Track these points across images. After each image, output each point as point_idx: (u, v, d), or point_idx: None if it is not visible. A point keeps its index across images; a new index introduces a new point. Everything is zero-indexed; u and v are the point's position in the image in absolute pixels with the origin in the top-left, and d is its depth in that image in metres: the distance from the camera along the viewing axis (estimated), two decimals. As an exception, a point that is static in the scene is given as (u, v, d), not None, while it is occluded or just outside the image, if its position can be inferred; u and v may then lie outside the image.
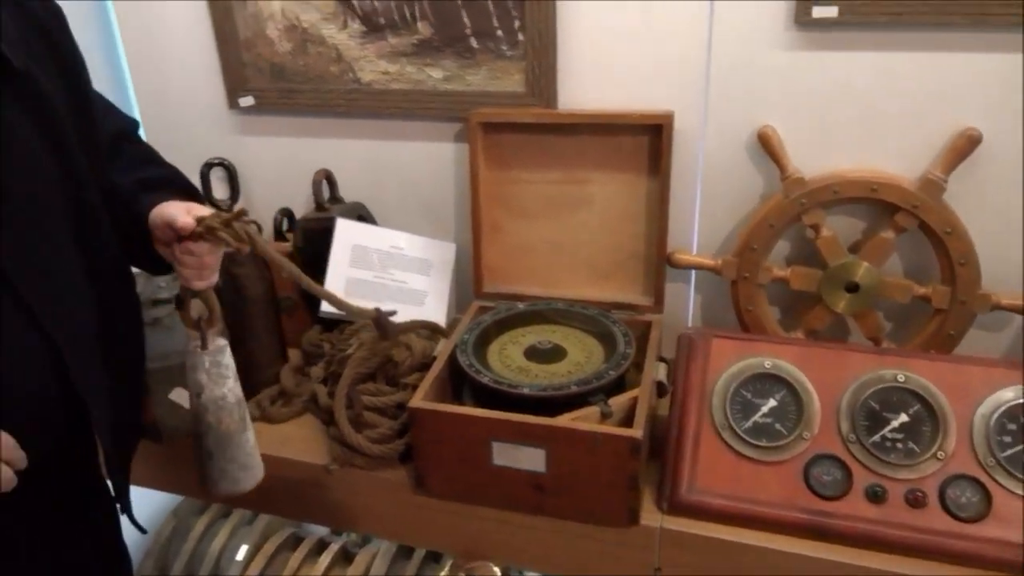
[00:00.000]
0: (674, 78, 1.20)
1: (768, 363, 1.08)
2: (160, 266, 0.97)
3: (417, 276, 1.36)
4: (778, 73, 1.15)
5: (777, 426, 1.05)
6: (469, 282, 1.37)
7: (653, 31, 1.19)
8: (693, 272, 1.33)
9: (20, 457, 0.76)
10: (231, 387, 0.95)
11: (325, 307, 1.32)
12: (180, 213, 0.88)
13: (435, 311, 1.36)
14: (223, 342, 0.96)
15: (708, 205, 1.28)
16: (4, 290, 0.76)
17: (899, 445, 1.01)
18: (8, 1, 0.79)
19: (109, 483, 1.01)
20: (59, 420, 0.84)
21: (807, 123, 1.17)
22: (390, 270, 1.35)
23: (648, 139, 1.23)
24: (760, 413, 1.06)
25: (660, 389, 1.14)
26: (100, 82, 0.96)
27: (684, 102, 1.21)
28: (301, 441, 1.22)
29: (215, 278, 0.95)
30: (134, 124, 1.04)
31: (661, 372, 1.14)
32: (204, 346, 0.93)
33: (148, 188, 0.94)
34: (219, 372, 0.94)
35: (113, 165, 0.95)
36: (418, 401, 1.07)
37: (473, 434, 1.04)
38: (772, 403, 1.06)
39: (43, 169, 0.82)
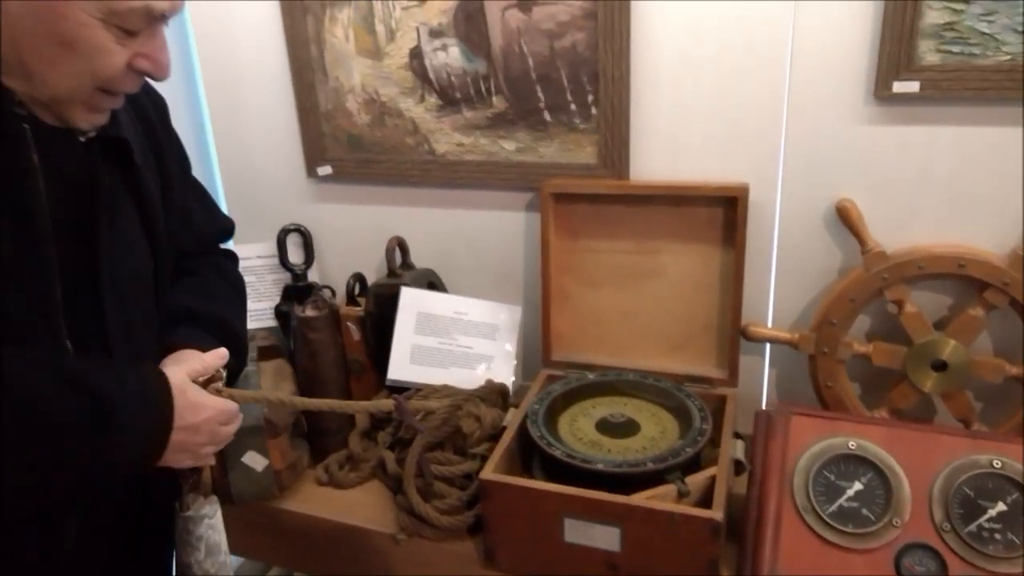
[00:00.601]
0: (749, 150, 1.22)
1: (852, 443, 1.05)
2: None
3: (482, 340, 1.38)
4: (856, 147, 1.16)
5: (864, 511, 1.01)
6: (538, 349, 1.38)
7: (727, 104, 1.21)
8: (768, 345, 1.31)
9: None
10: (198, 560, 0.90)
11: (392, 374, 1.35)
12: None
13: (502, 374, 1.37)
14: (208, 509, 0.92)
15: (784, 278, 1.27)
16: (104, 349, 0.81)
17: (997, 536, 0.96)
18: (132, 116, 0.87)
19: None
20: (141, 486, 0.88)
21: (887, 197, 1.16)
22: (455, 335, 1.38)
23: (722, 211, 1.24)
24: (845, 496, 1.03)
25: (737, 467, 1.12)
26: (187, 148, 1.03)
27: (759, 174, 1.22)
28: (368, 508, 1.24)
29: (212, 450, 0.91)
30: (229, 230, 1.11)
31: (739, 450, 1.12)
32: (183, 508, 0.91)
33: (190, 319, 0.95)
34: (189, 541, 0.90)
35: (191, 268, 1.01)
36: (489, 473, 1.07)
37: (545, 509, 1.04)
38: (858, 486, 1.03)
39: (144, 258, 0.88)
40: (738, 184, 1.21)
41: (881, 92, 1.10)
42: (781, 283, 1.28)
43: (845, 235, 1.19)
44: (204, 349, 0.91)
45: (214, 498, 0.95)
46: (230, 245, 1.17)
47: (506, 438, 1.16)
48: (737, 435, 1.17)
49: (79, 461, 0.70)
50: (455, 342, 1.36)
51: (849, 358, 1.21)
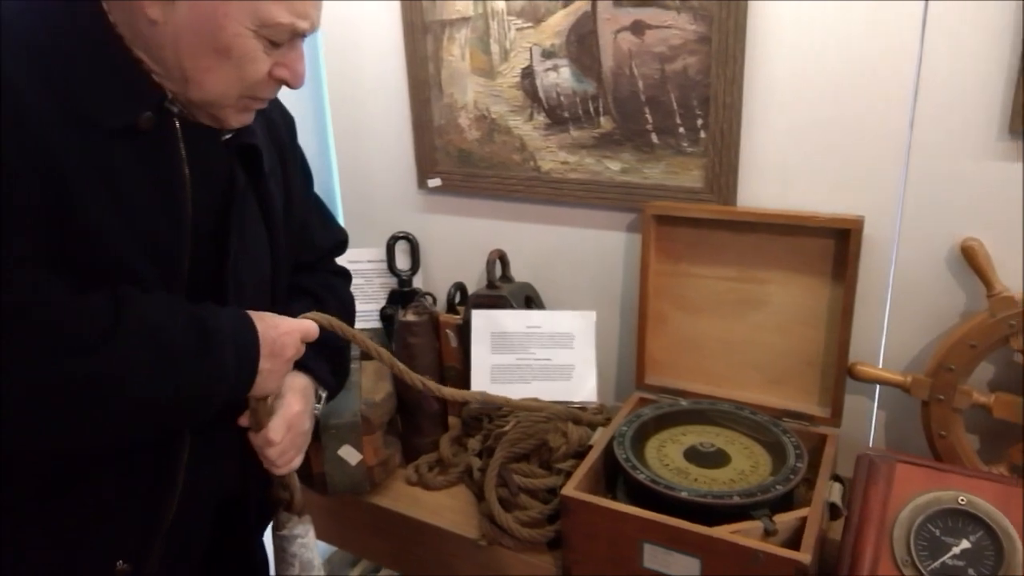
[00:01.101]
0: (865, 182, 1.18)
1: (962, 499, 0.99)
2: None
3: (560, 351, 1.40)
4: (986, 184, 1.10)
5: (971, 572, 0.96)
6: (631, 371, 1.38)
7: (844, 134, 1.18)
8: (878, 387, 1.26)
9: None
10: None
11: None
12: None
13: (584, 383, 1.38)
14: (300, 529, 0.97)
15: (898, 317, 1.22)
16: None
17: None
18: (261, 120, 0.95)
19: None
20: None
21: (1017, 238, 1.09)
22: (531, 350, 1.40)
23: (833, 243, 1.21)
24: (951, 554, 0.97)
25: (832, 511, 1.08)
26: (310, 157, 1.12)
27: (875, 208, 1.18)
28: (454, 512, 1.28)
29: (297, 461, 0.98)
30: (343, 242, 1.19)
31: (835, 493, 1.08)
32: (278, 527, 0.96)
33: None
34: (284, 558, 0.95)
35: (307, 287, 1.09)
36: (571, 490, 1.09)
37: (624, 532, 1.05)
38: (966, 544, 0.97)
39: (263, 260, 0.97)
40: (852, 217, 1.18)
41: (1017, 126, 1.04)
42: (895, 322, 1.22)
43: (968, 276, 1.13)
44: (312, 370, 1.00)
45: (307, 518, 1.01)
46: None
47: (591, 457, 1.17)
48: (836, 478, 1.13)
49: (191, 380, 0.78)
50: (532, 356, 1.39)
51: (967, 408, 1.14)
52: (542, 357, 1.40)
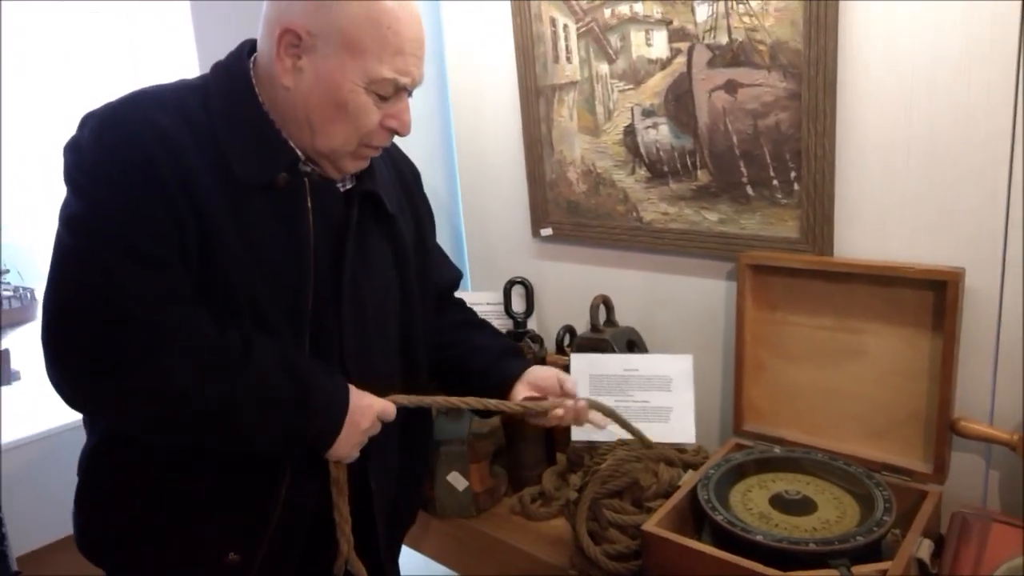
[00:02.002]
0: (965, 232, 1.19)
1: (1061, 566, 0.97)
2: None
3: (659, 393, 1.46)
4: (1097, 234, 1.07)
5: (1066, 644, 0.93)
6: (729, 416, 1.44)
7: (941, 183, 1.20)
8: (991, 445, 1.23)
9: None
10: None
11: (576, 435, 1.49)
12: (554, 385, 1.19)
13: (682, 425, 1.43)
14: None
15: (1009, 372, 1.20)
16: (341, 364, 1.07)
17: None
18: (386, 160, 1.16)
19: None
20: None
21: None
22: (629, 392, 1.48)
23: (932, 295, 1.21)
24: (1043, 624, 0.96)
25: (921, 569, 1.08)
26: (442, 208, 1.31)
27: (977, 258, 1.18)
28: (552, 543, 1.40)
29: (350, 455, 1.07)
30: (459, 278, 1.37)
31: (924, 549, 1.09)
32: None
33: (509, 354, 1.26)
34: None
35: (442, 312, 1.28)
36: (651, 525, 1.18)
37: (700, 571, 1.11)
38: (1062, 615, 0.95)
39: (391, 291, 1.14)
40: (950, 268, 1.18)
41: (1125, 175, 1.02)
42: (1004, 377, 1.20)
43: (1082, 330, 1.10)
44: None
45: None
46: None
47: (676, 496, 1.25)
48: (934, 536, 1.13)
49: (279, 425, 0.97)
50: (631, 398, 1.47)
51: (1083, 471, 1.10)
52: (640, 399, 1.49)
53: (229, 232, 0.96)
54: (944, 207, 1.20)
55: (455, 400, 1.11)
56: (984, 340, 1.21)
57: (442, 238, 2.03)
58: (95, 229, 0.93)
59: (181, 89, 1.02)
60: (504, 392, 1.19)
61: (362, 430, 1.03)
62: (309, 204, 1.02)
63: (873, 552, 1.10)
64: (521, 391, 1.19)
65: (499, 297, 1.80)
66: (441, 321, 1.28)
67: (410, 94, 1.03)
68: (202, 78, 1.04)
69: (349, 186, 1.09)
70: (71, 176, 0.95)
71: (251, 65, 1.02)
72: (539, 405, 1.15)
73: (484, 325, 1.33)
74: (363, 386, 1.08)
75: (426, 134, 1.95)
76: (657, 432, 1.44)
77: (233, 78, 1.01)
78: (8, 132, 2.27)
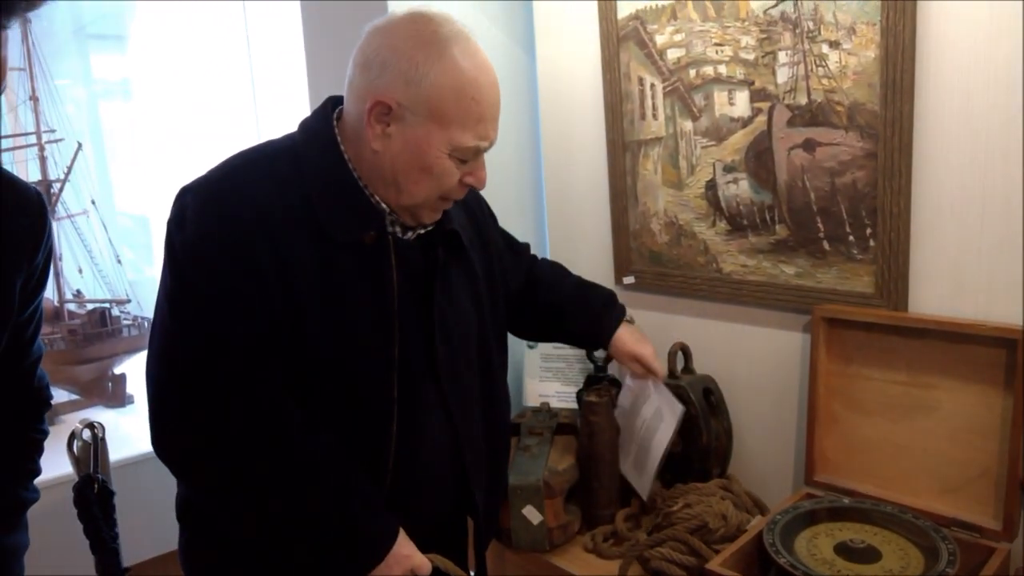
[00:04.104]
0: (1037, 292, 1.29)
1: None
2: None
3: (643, 409, 1.66)
4: None
5: None
6: (802, 467, 1.56)
7: (1014, 241, 1.31)
8: (1066, 506, 1.31)
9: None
10: None
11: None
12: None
13: (670, 409, 1.62)
14: None
15: (1084, 432, 1.28)
16: (439, 396, 1.26)
17: None
18: (458, 206, 1.32)
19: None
20: (451, 497, 1.33)
21: None
22: (633, 422, 1.68)
23: (1005, 353, 1.32)
24: None
25: (982, 623, 1.17)
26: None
27: (1050, 318, 1.28)
28: (619, 580, 1.55)
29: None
30: (527, 245, 1.65)
31: (985, 604, 1.18)
32: None
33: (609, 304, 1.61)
34: None
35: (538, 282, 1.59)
36: (714, 565, 1.32)
37: (760, 610, 1.24)
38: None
39: (469, 316, 1.33)
40: (1021, 327, 1.29)
41: None
42: (1081, 439, 1.28)
43: None
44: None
45: None
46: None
47: (743, 539, 1.38)
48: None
49: (318, 554, 1.14)
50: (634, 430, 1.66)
51: None
52: (640, 424, 1.67)
53: (317, 293, 1.12)
54: (1017, 266, 1.31)
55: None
56: (1059, 401, 1.29)
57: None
58: (189, 313, 1.10)
59: (270, 153, 1.19)
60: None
61: (392, 574, 1.18)
62: (393, 260, 1.18)
63: (935, 604, 1.20)
64: (625, 333, 1.57)
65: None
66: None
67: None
68: (289, 138, 1.21)
69: (421, 231, 1.25)
70: (171, 253, 1.12)
71: (335, 122, 1.19)
72: None
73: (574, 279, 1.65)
74: (462, 416, 1.27)
75: (517, 184, 2.18)
76: (665, 431, 1.62)
77: (321, 137, 1.17)
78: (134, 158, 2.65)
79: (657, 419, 1.63)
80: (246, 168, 1.17)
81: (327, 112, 1.21)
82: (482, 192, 1.31)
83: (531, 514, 1.63)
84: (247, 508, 1.16)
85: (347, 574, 1.18)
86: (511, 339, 1.54)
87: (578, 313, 1.61)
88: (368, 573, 1.17)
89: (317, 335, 1.13)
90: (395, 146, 1.13)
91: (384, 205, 1.19)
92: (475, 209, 1.43)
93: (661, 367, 1.59)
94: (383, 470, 1.21)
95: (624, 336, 1.58)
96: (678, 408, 1.59)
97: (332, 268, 1.14)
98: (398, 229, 1.22)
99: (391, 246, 1.20)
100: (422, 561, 1.21)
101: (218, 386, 1.11)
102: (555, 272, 1.67)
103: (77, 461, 1.39)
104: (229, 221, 1.10)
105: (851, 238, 1.50)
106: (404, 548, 1.20)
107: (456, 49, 1.11)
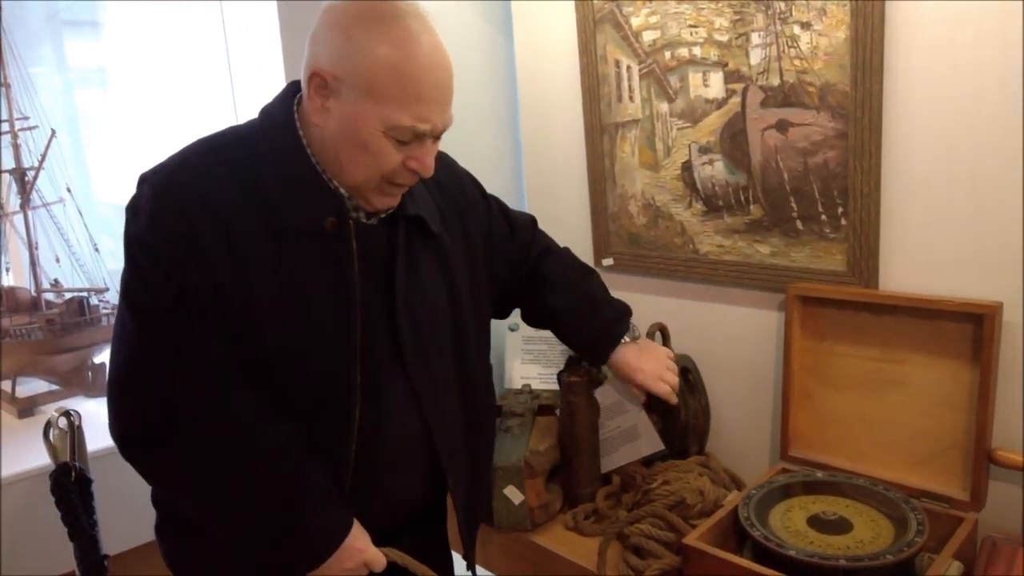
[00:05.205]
0: (1003, 267, 1.32)
1: (1082, 589, 1.09)
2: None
3: (620, 417, 1.67)
4: None
5: (1082, 662, 1.05)
6: (778, 442, 1.59)
7: (982, 219, 1.33)
8: (1030, 476, 1.35)
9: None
10: None
11: (604, 468, 1.70)
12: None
13: (648, 438, 1.65)
14: None
15: (1049, 404, 1.31)
16: (405, 381, 1.26)
17: None
18: (433, 187, 1.32)
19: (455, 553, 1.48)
20: (422, 482, 1.34)
21: None
22: (606, 423, 1.69)
23: (972, 327, 1.35)
24: (1061, 642, 1.07)
25: (949, 590, 1.21)
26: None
27: (1016, 293, 1.31)
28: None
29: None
30: (534, 220, 1.63)
31: (953, 569, 1.22)
32: None
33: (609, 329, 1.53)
34: None
35: (544, 266, 1.56)
36: (691, 540, 1.34)
37: (735, 581, 1.27)
38: (1080, 635, 1.06)
39: (441, 302, 1.32)
40: (988, 302, 1.32)
41: None
42: (1045, 410, 1.32)
43: (1116, 365, 1.21)
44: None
45: None
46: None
47: (719, 515, 1.41)
48: (965, 561, 1.25)
49: (266, 543, 1.16)
50: (605, 429, 1.68)
51: (1119, 503, 1.21)
52: (613, 426, 1.70)
53: (275, 283, 1.11)
54: (984, 242, 1.34)
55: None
56: (1021, 372, 1.33)
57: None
58: (139, 302, 1.11)
59: (229, 140, 1.18)
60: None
61: (345, 568, 1.19)
62: (354, 246, 1.17)
63: (905, 572, 1.24)
64: (629, 350, 1.51)
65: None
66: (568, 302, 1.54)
67: (438, 137, 1.16)
68: (250, 124, 1.20)
69: (383, 216, 1.23)
70: (127, 244, 1.13)
71: (296, 106, 1.17)
72: None
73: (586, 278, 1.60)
74: (432, 399, 1.27)
75: (496, 168, 2.19)
76: (632, 450, 1.65)
77: (279, 123, 1.16)
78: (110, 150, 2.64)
79: (632, 435, 1.68)
80: (202, 157, 1.16)
81: (286, 96, 1.20)
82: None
83: (512, 494, 1.65)
84: (197, 498, 1.17)
85: (299, 566, 1.18)
86: (494, 321, 1.54)
87: (574, 330, 1.56)
88: (320, 565, 1.17)
89: (276, 325, 1.13)
90: (333, 121, 1.11)
91: (343, 190, 1.18)
92: (455, 195, 1.41)
93: (665, 387, 1.52)
94: (347, 457, 1.20)
95: (624, 359, 1.52)
96: (658, 444, 1.63)
97: (291, 256, 1.14)
98: (362, 215, 1.21)
99: (351, 232, 1.18)
100: (375, 555, 1.21)
101: (168, 375, 1.11)
102: (567, 272, 1.59)
103: (54, 449, 1.39)
104: (178, 214, 1.10)
105: (823, 217, 1.52)
106: (357, 542, 1.20)
107: (398, 26, 1.09)
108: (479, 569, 1.75)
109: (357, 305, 1.17)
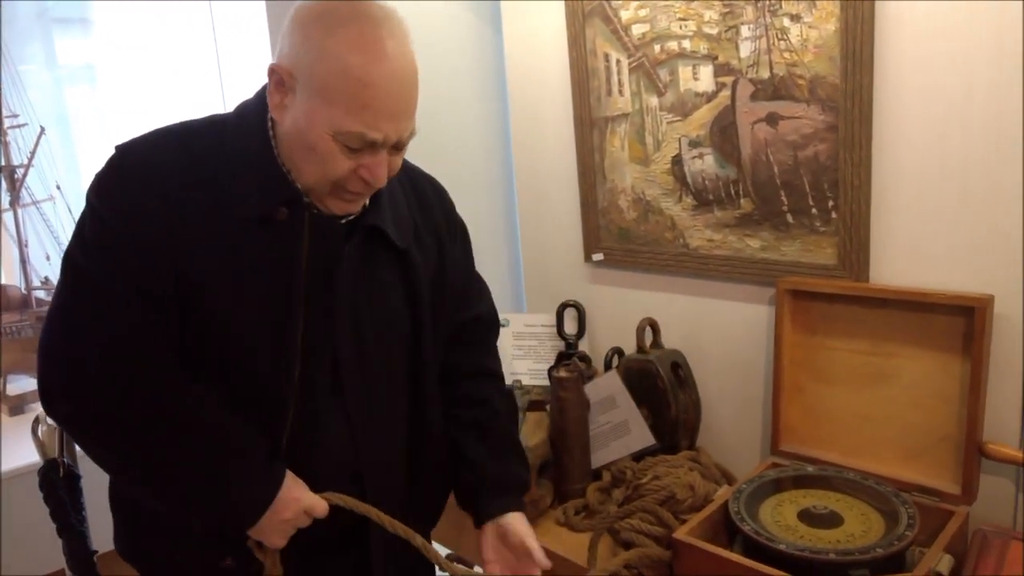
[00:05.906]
0: (994, 260, 1.31)
1: (1073, 582, 1.08)
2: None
3: (611, 411, 1.67)
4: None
5: (1073, 656, 1.04)
6: (769, 436, 1.58)
7: (973, 213, 1.32)
8: (1021, 468, 1.33)
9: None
10: None
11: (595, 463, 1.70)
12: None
13: (638, 433, 1.65)
14: None
15: (1039, 396, 1.30)
16: (339, 399, 1.18)
17: None
18: (414, 204, 1.29)
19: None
20: (348, 478, 1.23)
21: None
22: (597, 418, 1.69)
23: (963, 320, 1.34)
24: (1052, 635, 1.06)
25: (940, 582, 1.20)
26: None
27: (1006, 285, 1.30)
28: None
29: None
30: (496, 321, 1.49)
31: (944, 564, 1.20)
32: None
33: (496, 488, 1.35)
34: None
35: (459, 348, 1.39)
36: (681, 534, 1.33)
37: (725, 576, 1.26)
38: (1071, 628, 1.05)
39: (398, 322, 1.26)
40: (979, 294, 1.31)
41: None
42: (1035, 403, 1.31)
43: (1107, 357, 1.20)
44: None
45: None
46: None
47: (709, 509, 1.40)
48: (955, 554, 1.24)
49: (199, 498, 1.12)
50: (595, 424, 1.67)
51: (1110, 495, 1.20)
52: (603, 421, 1.70)
53: (219, 269, 1.09)
54: (975, 236, 1.33)
55: (386, 520, 1.18)
56: (1014, 366, 1.31)
57: (500, 263, 2.23)
58: (79, 261, 1.10)
59: (204, 125, 1.17)
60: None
61: (283, 519, 1.14)
62: (306, 238, 1.13)
63: (896, 566, 1.22)
64: (489, 533, 1.32)
65: (552, 319, 1.98)
66: (457, 390, 1.38)
67: (398, 148, 1.11)
68: (228, 113, 1.19)
69: (349, 218, 1.18)
70: (88, 197, 1.12)
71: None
72: (469, 573, 1.26)
73: (492, 423, 1.39)
74: (366, 412, 1.21)
75: (486, 163, 2.17)
76: (623, 445, 1.65)
77: (251, 114, 1.15)
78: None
79: (622, 430, 1.67)
80: (168, 140, 1.15)
81: (263, 90, 1.17)
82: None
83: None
84: (122, 458, 1.13)
85: (235, 522, 1.15)
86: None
87: (467, 467, 1.37)
88: (258, 519, 1.13)
89: (217, 310, 1.11)
90: (288, 119, 1.09)
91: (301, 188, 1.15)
92: (439, 220, 1.35)
93: (540, 555, 1.30)
94: (277, 451, 1.17)
95: (498, 529, 1.33)
96: (649, 439, 1.63)
97: (239, 243, 1.11)
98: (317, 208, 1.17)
99: (304, 225, 1.14)
100: (314, 501, 1.16)
101: (101, 336, 1.09)
102: (488, 406, 1.41)
103: (43, 445, 1.38)
104: (131, 195, 1.10)
105: (814, 211, 1.51)
106: (293, 491, 1.15)
107: (357, 28, 1.04)
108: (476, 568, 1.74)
109: (299, 298, 1.13)
